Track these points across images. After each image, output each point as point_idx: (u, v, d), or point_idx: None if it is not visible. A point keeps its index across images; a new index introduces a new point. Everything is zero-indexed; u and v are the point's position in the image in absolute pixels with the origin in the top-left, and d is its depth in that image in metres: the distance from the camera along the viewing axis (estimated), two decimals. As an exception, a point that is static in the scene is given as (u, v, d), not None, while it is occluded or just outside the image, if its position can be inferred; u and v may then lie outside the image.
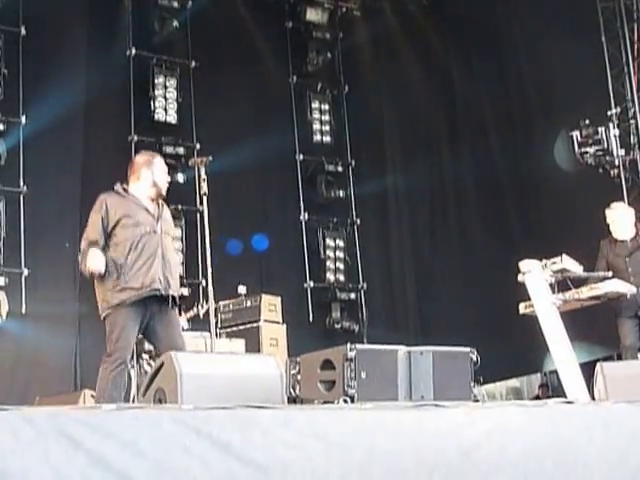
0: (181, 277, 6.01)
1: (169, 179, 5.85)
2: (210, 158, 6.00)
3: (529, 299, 7.28)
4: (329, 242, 11.86)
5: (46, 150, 9.74)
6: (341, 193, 11.88)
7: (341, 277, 11.93)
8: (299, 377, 5.35)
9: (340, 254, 11.94)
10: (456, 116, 11.93)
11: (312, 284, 11.63)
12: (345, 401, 4.86)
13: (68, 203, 9.77)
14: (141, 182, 5.74)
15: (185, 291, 5.88)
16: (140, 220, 5.57)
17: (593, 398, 5.94)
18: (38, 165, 9.69)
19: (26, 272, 9.39)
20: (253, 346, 8.65)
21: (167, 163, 6.01)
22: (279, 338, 9.09)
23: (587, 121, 9.38)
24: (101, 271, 5.39)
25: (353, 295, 11.90)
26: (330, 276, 11.85)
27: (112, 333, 5.49)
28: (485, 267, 11.23)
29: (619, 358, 7.54)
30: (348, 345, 5.04)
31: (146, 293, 5.47)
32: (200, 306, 7.97)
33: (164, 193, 5.76)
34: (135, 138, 10.30)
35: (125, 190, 5.72)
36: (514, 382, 10.80)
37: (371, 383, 5.00)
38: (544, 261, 7.21)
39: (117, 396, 5.01)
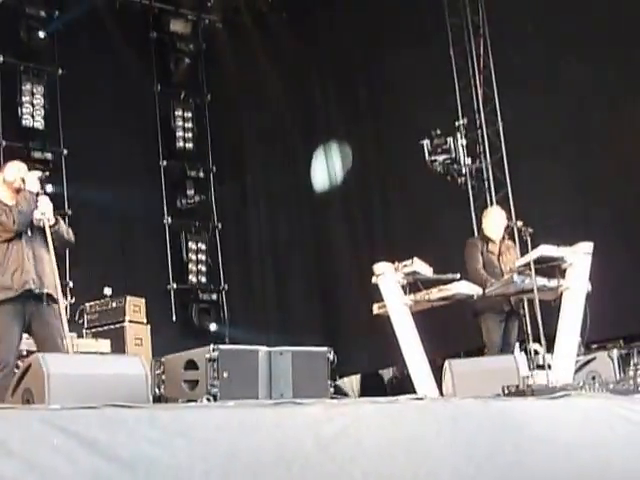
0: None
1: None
2: (47, 174, 6.02)
3: (383, 300, 7.64)
4: (191, 245, 12.01)
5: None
6: (200, 198, 12.14)
7: (203, 279, 12.10)
8: (164, 377, 5.41)
9: (202, 257, 12.10)
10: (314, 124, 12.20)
11: (175, 286, 11.76)
12: (208, 399, 4.93)
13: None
14: None
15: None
16: None
17: (442, 394, 6.33)
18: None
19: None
20: (119, 346, 8.80)
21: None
22: (143, 338, 9.27)
23: (438, 131, 9.62)
24: None
25: (215, 296, 12.10)
26: (192, 278, 12.00)
27: None
28: (345, 268, 11.50)
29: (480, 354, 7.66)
30: (211, 346, 5.14)
31: (19, 293, 5.59)
32: None
33: None
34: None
35: None
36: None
37: (233, 382, 5.08)
38: (396, 264, 7.53)
39: None
